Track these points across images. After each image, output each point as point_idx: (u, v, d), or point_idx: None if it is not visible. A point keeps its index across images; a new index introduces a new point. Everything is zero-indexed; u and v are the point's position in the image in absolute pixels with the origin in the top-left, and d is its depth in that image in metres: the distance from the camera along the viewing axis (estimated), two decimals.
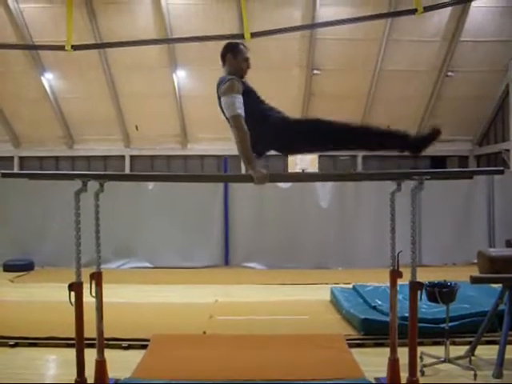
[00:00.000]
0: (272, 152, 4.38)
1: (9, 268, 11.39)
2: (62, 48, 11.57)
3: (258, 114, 4.20)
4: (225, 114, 4.22)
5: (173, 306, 8.02)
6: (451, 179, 8.45)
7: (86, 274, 4.20)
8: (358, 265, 11.59)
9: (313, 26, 12.62)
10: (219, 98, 4.23)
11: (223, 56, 4.43)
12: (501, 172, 4.42)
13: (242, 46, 4.47)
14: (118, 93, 14.27)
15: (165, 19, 12.62)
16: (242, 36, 11.53)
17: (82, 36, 12.27)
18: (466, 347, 5.61)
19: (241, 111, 4.05)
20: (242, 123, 4.03)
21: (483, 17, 12.78)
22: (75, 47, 11.57)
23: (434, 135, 4.17)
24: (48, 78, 14.02)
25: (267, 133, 4.19)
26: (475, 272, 5.45)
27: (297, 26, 12.49)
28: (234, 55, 4.38)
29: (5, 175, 4.40)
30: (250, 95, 4.24)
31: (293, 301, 8.51)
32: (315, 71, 13.60)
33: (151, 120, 14.72)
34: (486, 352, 5.51)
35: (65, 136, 15.23)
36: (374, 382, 4.75)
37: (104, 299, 4.49)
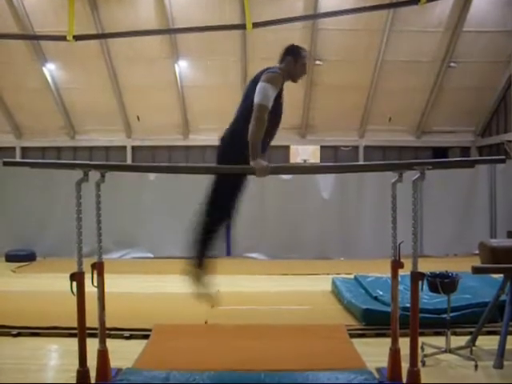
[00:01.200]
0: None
1: (11, 258, 11.44)
2: (63, 38, 11.54)
3: (273, 115, 4.22)
4: (247, 100, 4.24)
5: (174, 296, 8.01)
6: (453, 168, 8.44)
7: (87, 265, 4.21)
8: (359, 255, 11.63)
9: (315, 16, 12.57)
10: (253, 82, 4.24)
11: (283, 56, 4.46)
12: (502, 161, 4.40)
13: (304, 52, 4.50)
14: (119, 83, 14.23)
15: (166, 9, 12.57)
16: (243, 26, 11.50)
17: (83, 26, 12.23)
18: (467, 337, 5.62)
19: (269, 104, 4.08)
20: (265, 115, 4.06)
21: (486, 7, 12.71)
22: (77, 37, 11.54)
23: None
24: (50, 69, 13.98)
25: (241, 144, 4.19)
26: (477, 263, 5.45)
27: (298, 16, 12.43)
28: (295, 59, 4.42)
29: (6, 163, 4.39)
30: (277, 98, 4.26)
31: (294, 291, 8.53)
32: (317, 62, 13.55)
33: (153, 110, 14.69)
34: (487, 342, 5.53)
35: (66, 127, 15.21)
36: (375, 372, 4.77)
37: (106, 289, 4.50)
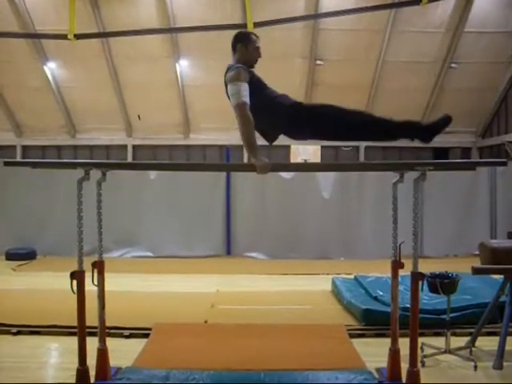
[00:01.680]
0: (281, 138, 4.37)
1: (11, 257, 11.44)
2: (64, 37, 11.55)
3: (267, 100, 4.19)
4: None
5: (174, 296, 8.04)
6: (454, 170, 8.46)
7: (87, 263, 4.21)
8: (359, 255, 11.62)
9: (316, 16, 12.57)
10: (226, 86, 4.21)
11: (234, 45, 4.41)
12: (504, 164, 4.42)
13: (253, 36, 4.45)
14: (120, 82, 14.24)
15: (167, 8, 12.57)
16: (245, 26, 11.49)
17: (84, 25, 12.23)
18: (467, 338, 5.62)
19: (246, 99, 4.02)
20: (247, 111, 3.99)
21: (487, 8, 12.70)
22: (78, 36, 11.55)
23: (445, 121, 4.13)
24: (50, 67, 13.99)
25: (278, 117, 4.18)
26: (477, 263, 5.45)
27: (300, 16, 12.43)
28: (245, 45, 4.37)
29: (7, 163, 4.39)
30: (257, 84, 4.21)
31: (294, 291, 8.53)
32: (318, 62, 13.55)
33: (153, 109, 14.69)
34: (487, 343, 5.54)
35: (67, 125, 15.21)
36: (374, 372, 4.77)
37: (106, 288, 4.51)
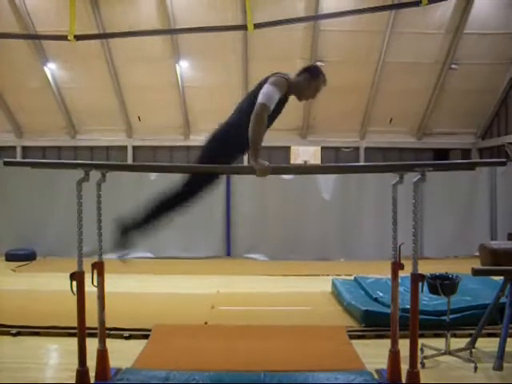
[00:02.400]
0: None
1: (11, 257, 11.44)
2: (64, 38, 11.55)
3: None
4: (251, 100, 4.16)
5: (174, 297, 8.04)
6: (453, 171, 8.46)
7: (87, 264, 4.21)
8: (359, 257, 11.63)
9: (316, 17, 12.57)
10: (259, 86, 4.16)
11: (303, 70, 4.40)
12: (503, 163, 4.41)
13: (323, 78, 4.41)
14: (120, 83, 14.24)
15: (168, 10, 12.57)
16: (245, 27, 11.50)
17: (84, 26, 12.24)
18: (467, 339, 5.62)
19: (271, 105, 4.01)
20: (265, 114, 3.99)
21: (488, 9, 12.70)
22: (78, 37, 11.55)
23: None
24: (51, 68, 13.99)
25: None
26: (477, 265, 5.48)
27: (300, 17, 12.43)
28: (311, 78, 4.34)
29: (7, 163, 4.40)
30: (277, 107, 4.18)
31: (294, 292, 8.53)
32: (318, 63, 13.54)
33: (154, 111, 14.70)
34: (487, 344, 5.53)
35: (67, 126, 15.22)
36: (374, 373, 4.77)
37: (105, 289, 4.51)
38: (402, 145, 15.63)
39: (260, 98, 4.04)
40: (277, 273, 10.30)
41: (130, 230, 4.46)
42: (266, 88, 4.07)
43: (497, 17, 12.82)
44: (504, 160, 4.42)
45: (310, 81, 4.34)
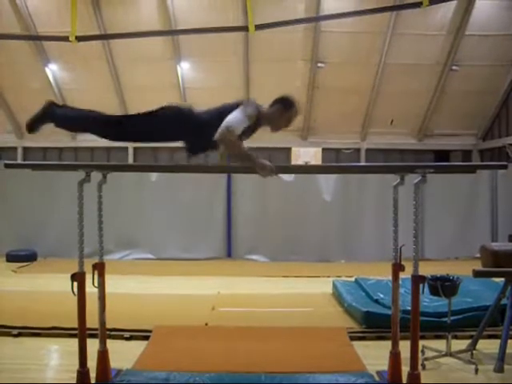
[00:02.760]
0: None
1: (12, 258, 11.44)
2: (66, 39, 11.55)
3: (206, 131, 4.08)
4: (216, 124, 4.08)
5: (175, 298, 8.04)
6: (454, 173, 8.45)
7: (88, 265, 4.22)
8: (360, 258, 11.63)
9: (317, 18, 12.56)
10: (229, 109, 4.09)
11: (275, 101, 4.29)
12: (504, 167, 4.42)
13: (295, 109, 4.30)
14: (121, 84, 14.24)
15: (169, 11, 12.57)
16: (246, 28, 11.51)
17: (86, 27, 12.23)
18: (468, 341, 5.62)
19: (237, 128, 3.94)
20: (229, 135, 3.90)
21: (489, 11, 12.69)
22: (79, 38, 11.54)
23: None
24: (52, 69, 13.99)
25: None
26: (478, 266, 5.45)
27: (301, 18, 12.43)
28: (283, 109, 4.24)
29: (8, 166, 4.40)
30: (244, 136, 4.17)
31: (295, 293, 8.53)
32: (319, 64, 13.55)
33: None
34: (488, 346, 5.53)
35: None
36: (375, 374, 4.76)
37: (106, 290, 4.51)
38: (402, 146, 15.62)
39: (228, 120, 3.96)
40: (277, 274, 10.29)
41: (55, 115, 4.40)
42: (236, 113, 4.01)
43: (498, 18, 12.80)
44: (505, 164, 4.42)
45: (282, 112, 4.25)
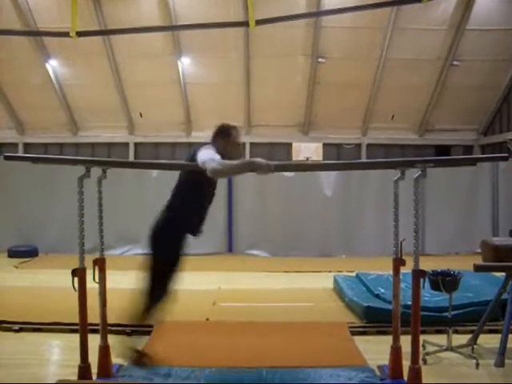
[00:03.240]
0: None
1: (13, 254, 11.47)
2: (66, 35, 11.54)
3: (197, 191, 4.46)
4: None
5: (176, 293, 8.03)
6: (455, 166, 8.45)
7: (89, 261, 4.22)
8: (361, 253, 11.64)
9: (317, 13, 12.53)
10: (192, 159, 4.21)
11: (214, 136, 4.47)
12: (505, 158, 4.41)
13: (234, 133, 4.48)
14: (122, 80, 14.22)
15: (169, 6, 12.54)
16: (246, 23, 11.48)
17: (86, 23, 12.20)
18: (469, 336, 5.63)
19: (216, 158, 4.03)
20: (219, 166, 3.99)
21: (490, 5, 12.65)
22: (80, 34, 11.52)
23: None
24: (52, 65, 13.96)
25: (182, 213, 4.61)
26: (478, 261, 5.45)
27: (301, 13, 12.39)
28: (225, 140, 4.42)
29: (7, 158, 4.40)
30: (210, 187, 4.40)
31: (296, 288, 8.54)
32: (320, 59, 13.52)
33: (156, 107, 14.68)
34: (489, 341, 5.54)
35: (69, 123, 15.20)
36: (376, 369, 4.77)
37: (107, 285, 4.51)
38: (403, 141, 15.59)
39: (201, 158, 4.05)
40: (278, 269, 10.31)
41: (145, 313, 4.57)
42: (201, 154, 4.10)
43: (499, 13, 12.77)
44: (506, 155, 4.42)
45: (225, 142, 4.41)
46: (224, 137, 4.43)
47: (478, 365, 4.94)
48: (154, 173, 11.92)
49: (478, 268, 5.26)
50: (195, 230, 4.70)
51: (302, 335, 5.92)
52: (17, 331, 6.05)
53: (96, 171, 4.29)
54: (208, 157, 4.02)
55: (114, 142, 15.71)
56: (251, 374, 4.66)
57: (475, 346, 5.40)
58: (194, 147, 4.34)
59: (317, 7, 12.47)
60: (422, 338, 4.57)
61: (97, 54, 13.56)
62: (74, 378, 4.23)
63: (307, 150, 14.97)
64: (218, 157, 4.05)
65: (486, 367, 4.97)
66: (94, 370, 4.37)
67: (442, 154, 15.34)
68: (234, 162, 4.05)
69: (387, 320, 4.97)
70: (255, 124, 14.60)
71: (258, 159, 3.98)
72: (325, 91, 14.22)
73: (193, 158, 4.20)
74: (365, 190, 11.98)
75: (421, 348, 4.70)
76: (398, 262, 4.50)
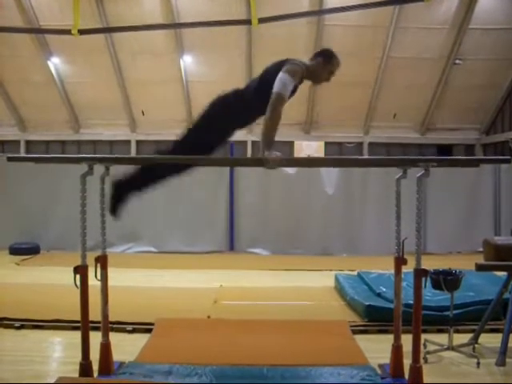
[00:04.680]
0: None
1: (15, 251, 11.47)
2: (68, 32, 11.55)
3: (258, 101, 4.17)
4: (262, 87, 4.17)
5: (177, 291, 8.05)
6: (457, 167, 8.45)
7: (91, 259, 4.22)
8: (362, 252, 11.64)
9: (320, 12, 12.53)
10: (268, 71, 4.18)
11: (316, 55, 4.36)
12: (507, 161, 4.41)
13: (336, 60, 4.34)
14: (124, 78, 14.22)
15: (172, 4, 12.54)
16: (249, 22, 11.48)
17: (88, 20, 12.21)
18: (470, 335, 5.62)
19: (287, 95, 4.02)
20: (282, 104, 3.99)
21: (493, 4, 12.64)
22: (82, 31, 11.54)
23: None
24: (54, 63, 13.97)
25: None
26: (480, 260, 5.45)
27: (304, 11, 12.39)
28: (324, 62, 4.30)
29: (11, 159, 4.40)
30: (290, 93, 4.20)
31: (297, 287, 8.54)
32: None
33: (158, 105, 14.68)
34: (490, 340, 5.53)
35: (71, 120, 15.21)
36: (377, 368, 4.77)
37: (109, 283, 4.51)
38: (405, 140, 15.58)
39: (276, 87, 4.01)
40: (280, 267, 10.30)
41: (124, 190, 4.45)
42: (282, 77, 4.03)
43: (502, 12, 12.75)
44: (508, 158, 4.41)
45: (324, 65, 4.30)
46: (325, 60, 4.30)
47: (479, 364, 4.94)
48: None
49: (479, 267, 5.26)
50: (244, 125, 4.56)
51: (303, 333, 5.92)
52: (18, 328, 6.06)
53: (98, 169, 4.28)
54: (283, 87, 4.01)
55: (115, 140, 15.72)
56: (252, 372, 4.66)
57: (476, 345, 5.40)
58: (282, 61, 4.22)
59: (319, 5, 12.47)
60: (423, 336, 4.58)
61: (99, 52, 13.56)
62: (75, 375, 4.23)
63: (309, 148, 14.99)
64: (289, 92, 4.05)
65: (487, 366, 4.97)
66: (95, 367, 4.37)
67: (444, 153, 15.32)
68: (274, 127, 4.05)
69: (388, 319, 4.97)
70: (257, 122, 14.59)
71: (275, 153, 3.99)
72: (327, 90, 14.16)
73: (274, 71, 4.14)
74: (366, 189, 11.97)
75: (422, 347, 4.70)
76: (400, 261, 4.50)
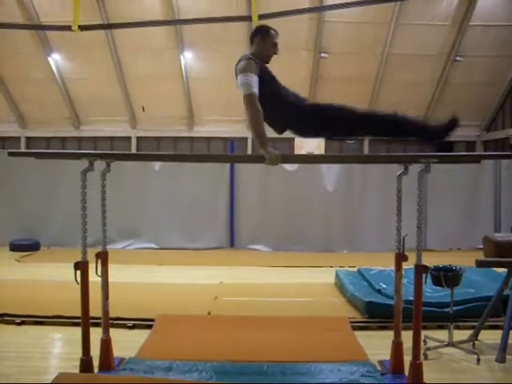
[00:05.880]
0: (288, 133, 4.38)
1: (15, 248, 11.48)
2: (68, 28, 11.54)
3: (277, 96, 4.18)
4: None
5: (178, 287, 8.06)
6: (458, 163, 8.45)
7: (91, 255, 4.22)
8: (363, 248, 11.64)
9: (321, 8, 12.52)
10: (236, 76, 4.18)
11: (252, 37, 4.39)
12: (508, 157, 4.41)
13: (272, 31, 4.38)
14: (124, 74, 14.21)
15: (172, 0, 12.54)
16: (249, 18, 11.46)
17: (88, 16, 12.20)
18: (470, 331, 5.63)
19: (255, 90, 4.00)
20: (256, 102, 3.98)
21: (493, 1, 12.61)
22: (82, 28, 11.53)
23: (452, 125, 4.17)
24: (55, 59, 13.96)
25: (285, 115, 4.21)
26: (480, 257, 5.45)
27: (304, 8, 12.37)
28: (262, 38, 4.33)
29: (11, 154, 4.41)
30: (268, 79, 4.20)
31: (298, 283, 8.54)
32: (323, 54, 13.49)
33: (158, 101, 14.67)
34: (490, 336, 5.54)
35: (71, 117, 15.21)
36: (377, 364, 4.78)
37: (109, 279, 4.52)
38: None
39: (242, 90, 4.05)
40: (280, 264, 10.31)
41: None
42: (239, 80, 4.08)
43: (503, 8, 12.73)
44: (510, 153, 4.41)
45: (264, 41, 4.33)
46: (263, 36, 4.34)
47: (479, 360, 4.95)
48: (156, 167, 11.93)
49: (479, 264, 5.26)
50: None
51: (304, 330, 5.93)
52: (19, 324, 6.07)
53: (98, 165, 4.28)
54: (245, 85, 4.03)
55: (116, 136, 15.71)
56: (252, 368, 4.67)
57: (476, 342, 5.41)
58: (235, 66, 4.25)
59: (320, 2, 12.45)
60: (423, 333, 4.59)
61: (99, 48, 13.55)
62: (76, 370, 4.24)
63: (309, 145, 14.96)
64: (254, 85, 4.03)
65: (487, 363, 4.98)
66: (96, 363, 4.38)
67: (444, 150, 15.29)
68: (260, 126, 4.03)
69: (389, 315, 4.98)
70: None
71: (272, 151, 3.97)
72: (327, 86, 14.19)
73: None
74: (367, 185, 11.97)
75: (422, 343, 4.71)
76: (400, 258, 4.50)
